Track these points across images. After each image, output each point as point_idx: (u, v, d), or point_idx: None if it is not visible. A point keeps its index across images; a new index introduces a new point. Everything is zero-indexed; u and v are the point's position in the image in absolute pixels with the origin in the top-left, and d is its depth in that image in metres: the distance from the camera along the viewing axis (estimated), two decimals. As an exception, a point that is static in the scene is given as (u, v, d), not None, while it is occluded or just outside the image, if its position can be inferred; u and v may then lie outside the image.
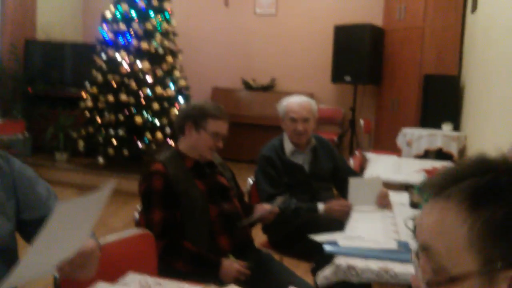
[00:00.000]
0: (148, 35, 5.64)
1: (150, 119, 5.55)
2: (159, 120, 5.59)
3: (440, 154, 4.86)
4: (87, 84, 5.81)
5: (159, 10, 5.79)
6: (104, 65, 5.69)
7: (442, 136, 4.87)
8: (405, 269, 1.58)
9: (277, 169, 2.65)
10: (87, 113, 5.73)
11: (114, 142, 5.55)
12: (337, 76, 6.28)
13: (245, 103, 7.10)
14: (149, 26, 5.63)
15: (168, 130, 5.63)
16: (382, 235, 1.96)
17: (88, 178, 5.77)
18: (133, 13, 5.64)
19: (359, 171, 3.46)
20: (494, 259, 0.63)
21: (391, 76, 6.18)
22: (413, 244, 1.65)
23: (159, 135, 5.55)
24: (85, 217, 1.09)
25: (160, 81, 5.66)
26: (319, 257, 2.04)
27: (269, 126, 6.38)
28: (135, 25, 5.60)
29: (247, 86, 7.20)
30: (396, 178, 3.23)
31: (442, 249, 0.67)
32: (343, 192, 2.74)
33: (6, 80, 6.48)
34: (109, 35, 5.70)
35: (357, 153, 4.09)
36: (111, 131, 5.55)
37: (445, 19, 5.62)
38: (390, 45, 6.19)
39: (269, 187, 2.61)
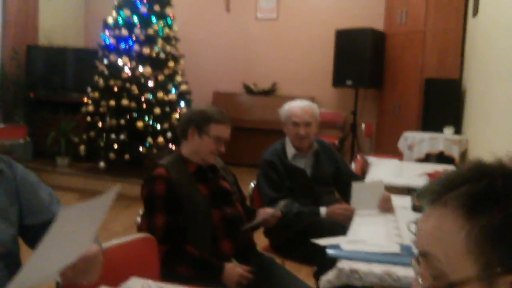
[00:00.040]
0: (150, 40, 5.66)
1: (151, 123, 5.56)
2: (161, 125, 5.59)
3: (441, 158, 4.85)
4: (88, 89, 5.83)
5: (161, 16, 5.81)
6: (105, 70, 5.71)
7: (443, 140, 4.86)
8: (408, 273, 1.57)
9: (279, 173, 2.65)
10: (88, 118, 5.74)
11: (116, 146, 5.56)
12: (338, 80, 6.29)
13: (246, 107, 7.11)
14: (151, 31, 5.65)
15: (169, 134, 5.63)
16: (384, 239, 1.96)
17: (89, 182, 5.78)
18: (135, 19, 5.66)
19: (361, 175, 3.46)
20: (493, 265, 0.64)
21: (393, 80, 6.18)
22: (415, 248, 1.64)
23: (160, 139, 5.55)
24: (89, 222, 1.09)
25: (161, 86, 5.67)
26: (321, 261, 2.03)
27: (270, 130, 6.38)
28: (137, 30, 5.62)
29: (248, 90, 7.21)
30: (398, 182, 3.22)
31: (440, 255, 0.67)
32: (345, 196, 2.74)
33: (8, 85, 6.49)
34: (111, 41, 5.72)
35: (358, 157, 4.08)
36: (113, 136, 5.56)
37: (446, 23, 5.62)
38: (391, 49, 6.19)
39: (271, 191, 2.61)
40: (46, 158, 6.33)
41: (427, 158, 4.92)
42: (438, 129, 5.06)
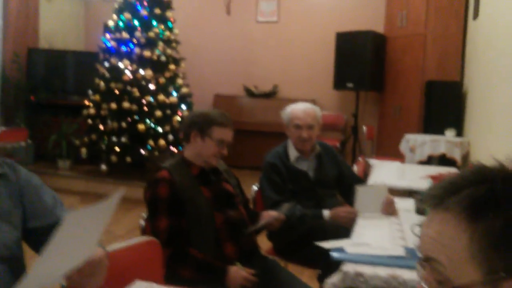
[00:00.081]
0: (150, 43, 5.67)
1: (152, 126, 5.56)
2: (162, 127, 5.59)
3: (443, 160, 4.85)
4: (89, 91, 5.83)
5: (162, 19, 5.81)
6: (106, 73, 5.71)
7: (445, 142, 4.86)
8: (414, 276, 1.56)
9: (282, 176, 2.64)
10: (89, 121, 5.74)
11: (117, 149, 5.56)
12: (339, 83, 6.29)
13: (247, 110, 7.11)
14: (151, 34, 5.65)
15: (170, 137, 5.63)
16: (389, 242, 1.95)
17: (91, 185, 5.78)
18: (136, 22, 5.67)
19: (363, 177, 3.46)
20: (497, 269, 0.64)
21: (394, 82, 6.19)
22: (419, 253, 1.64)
23: (161, 142, 5.55)
24: (94, 226, 1.09)
25: (162, 89, 5.67)
26: (325, 264, 2.03)
27: (271, 132, 6.38)
28: (138, 33, 5.63)
29: (249, 93, 7.21)
30: (401, 184, 3.22)
31: (444, 260, 0.67)
32: (348, 199, 2.73)
33: (9, 88, 6.50)
34: (112, 43, 5.72)
35: (360, 159, 4.08)
36: (114, 139, 5.56)
37: (446, 25, 5.63)
38: (392, 52, 6.20)
39: (273, 193, 2.60)
40: (47, 161, 6.33)
41: (429, 161, 4.92)
42: (440, 131, 5.07)
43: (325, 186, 2.73)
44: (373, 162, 4.08)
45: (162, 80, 5.70)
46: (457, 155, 4.78)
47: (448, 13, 5.62)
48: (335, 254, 1.73)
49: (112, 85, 5.60)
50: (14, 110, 6.50)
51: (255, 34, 7.33)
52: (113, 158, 5.59)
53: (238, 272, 1.90)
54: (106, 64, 5.75)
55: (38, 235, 1.37)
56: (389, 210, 2.38)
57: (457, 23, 5.57)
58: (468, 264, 0.65)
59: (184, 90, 5.99)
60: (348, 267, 1.63)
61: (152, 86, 5.61)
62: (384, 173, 3.52)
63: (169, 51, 5.84)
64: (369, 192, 2.44)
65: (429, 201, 0.72)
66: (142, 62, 5.63)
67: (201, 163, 2.09)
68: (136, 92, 5.53)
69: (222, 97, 7.31)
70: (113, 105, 5.54)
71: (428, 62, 5.76)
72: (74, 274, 1.13)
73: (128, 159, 5.56)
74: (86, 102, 5.83)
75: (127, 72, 5.60)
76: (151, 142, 5.53)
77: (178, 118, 5.72)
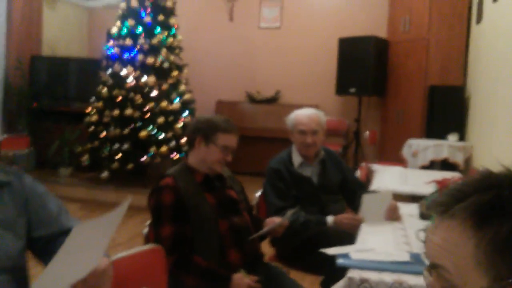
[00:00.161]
0: (153, 50, 5.68)
1: (155, 133, 5.56)
2: (164, 134, 5.59)
3: (446, 165, 4.84)
4: (92, 98, 5.83)
5: (165, 25, 5.83)
6: (109, 80, 5.72)
7: (448, 147, 4.85)
8: (419, 281, 1.55)
9: (286, 182, 2.64)
10: (91, 128, 5.74)
11: (119, 156, 5.55)
12: (341, 88, 6.29)
13: (250, 115, 7.11)
14: (154, 41, 5.67)
15: (173, 143, 5.63)
16: (393, 247, 1.95)
17: (92, 192, 5.76)
18: (139, 29, 5.68)
19: (366, 183, 3.45)
20: (504, 275, 0.63)
21: (396, 87, 6.18)
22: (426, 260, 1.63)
23: (163, 148, 5.55)
24: (101, 236, 1.09)
25: (165, 95, 5.67)
26: (329, 270, 2.02)
27: (273, 138, 6.37)
28: (141, 40, 5.64)
29: (251, 98, 7.21)
30: (404, 189, 3.21)
31: (450, 267, 0.67)
32: (352, 204, 2.73)
33: (12, 95, 6.52)
34: (115, 50, 5.74)
35: (363, 164, 4.07)
36: (116, 145, 5.55)
37: (449, 30, 5.62)
38: (394, 57, 6.20)
39: (277, 200, 2.59)
40: (49, 168, 6.32)
41: (432, 165, 4.91)
42: (442, 136, 5.05)
43: (329, 192, 2.72)
44: (376, 167, 4.07)
45: (165, 86, 5.71)
46: (460, 159, 4.77)
47: (451, 17, 5.62)
48: (340, 260, 1.73)
49: (115, 92, 5.61)
50: (17, 116, 6.52)
51: (257, 40, 7.35)
52: (115, 165, 5.57)
53: (242, 279, 1.89)
54: (109, 71, 5.76)
55: (43, 244, 1.36)
56: (393, 216, 2.37)
57: (460, 28, 5.57)
58: (474, 270, 0.64)
59: (187, 96, 5.99)
60: (354, 273, 1.62)
61: (155, 93, 5.62)
62: (387, 178, 3.52)
63: (172, 57, 5.85)
64: (374, 200, 2.43)
65: (435, 208, 0.72)
66: (145, 68, 5.64)
67: (206, 169, 2.09)
68: (139, 99, 5.53)
69: (225, 103, 7.32)
70: (116, 112, 5.54)
71: (431, 66, 5.76)
72: (79, 284, 1.13)
73: (130, 166, 5.54)
74: (89, 109, 5.83)
75: (130, 79, 5.61)
76: (153, 149, 5.53)
77: (181, 125, 5.72)
